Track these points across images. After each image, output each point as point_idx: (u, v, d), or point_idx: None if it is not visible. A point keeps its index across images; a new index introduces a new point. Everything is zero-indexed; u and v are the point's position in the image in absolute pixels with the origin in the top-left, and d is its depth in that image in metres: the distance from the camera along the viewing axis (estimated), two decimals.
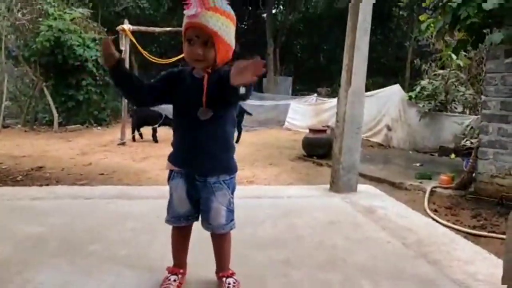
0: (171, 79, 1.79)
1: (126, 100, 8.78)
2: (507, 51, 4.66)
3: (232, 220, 1.86)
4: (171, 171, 1.85)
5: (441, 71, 9.42)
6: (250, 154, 7.82)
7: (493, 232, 3.72)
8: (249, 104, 11.15)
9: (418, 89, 9.44)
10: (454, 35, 5.62)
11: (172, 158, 1.85)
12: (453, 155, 7.59)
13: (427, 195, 4.86)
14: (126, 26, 8.70)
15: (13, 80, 12.27)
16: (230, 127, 1.81)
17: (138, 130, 9.40)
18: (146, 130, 9.38)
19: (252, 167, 6.63)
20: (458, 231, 3.53)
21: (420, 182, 5.47)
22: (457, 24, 4.86)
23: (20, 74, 12.42)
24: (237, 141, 8.54)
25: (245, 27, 22.70)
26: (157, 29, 10.92)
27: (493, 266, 2.28)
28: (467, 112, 9.16)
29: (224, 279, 1.89)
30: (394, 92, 9.86)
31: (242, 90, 1.50)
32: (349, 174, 3.94)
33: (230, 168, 1.83)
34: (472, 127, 7.68)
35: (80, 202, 3.35)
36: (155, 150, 7.94)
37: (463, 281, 2.12)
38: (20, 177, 5.43)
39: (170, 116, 1.87)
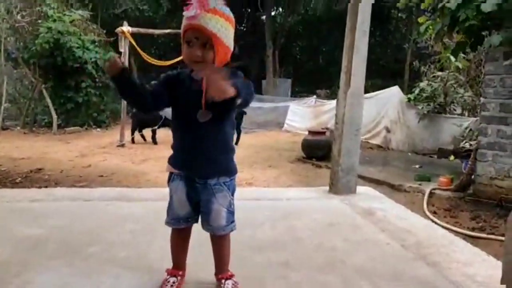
0: (170, 82, 1.78)
1: (125, 102, 8.78)
2: (506, 53, 4.67)
3: (233, 221, 1.86)
4: (171, 173, 1.85)
5: (440, 73, 9.44)
6: (249, 156, 7.82)
7: (492, 234, 3.73)
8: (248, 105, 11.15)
9: (417, 91, 9.46)
10: (453, 37, 5.63)
11: (172, 161, 1.85)
12: (452, 157, 7.59)
13: (426, 197, 4.87)
14: (126, 28, 8.71)
15: (12, 82, 12.29)
16: (229, 129, 1.81)
17: (140, 132, 9.40)
18: (146, 132, 9.38)
19: (251, 169, 6.64)
20: (457, 233, 3.54)
21: (419, 184, 5.48)
22: (456, 26, 4.87)
23: (20, 76, 12.44)
24: (236, 143, 8.54)
25: (244, 29, 22.72)
26: (156, 31, 10.93)
27: (492, 268, 2.29)
28: (466, 114, 9.18)
29: (223, 281, 1.89)
30: (393, 94, 9.87)
31: (238, 101, 1.52)
32: (348, 176, 3.94)
33: (230, 170, 1.83)
34: (471, 129, 7.70)
35: (79, 204, 3.34)
36: (154, 152, 7.94)
37: (462, 283, 2.12)
38: (19, 179, 5.43)
39: (170, 117, 1.86)
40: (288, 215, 3.17)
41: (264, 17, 21.15)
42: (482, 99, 5.09)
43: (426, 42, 10.59)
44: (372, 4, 3.81)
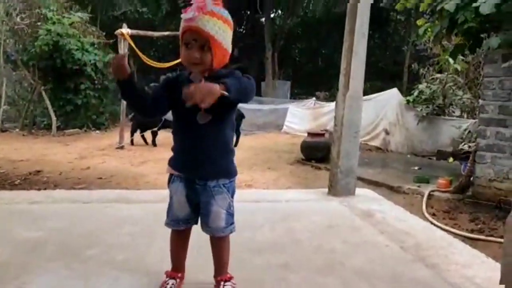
0: (170, 84, 1.79)
1: (124, 104, 8.78)
2: (505, 55, 4.68)
3: (232, 223, 1.86)
4: (171, 174, 1.86)
5: (438, 75, 9.47)
6: (249, 158, 7.82)
7: (491, 235, 3.73)
8: (248, 108, 11.18)
9: (416, 93, 9.48)
10: (452, 39, 5.65)
11: (172, 162, 1.85)
12: (451, 159, 7.61)
13: (425, 198, 4.87)
14: (125, 30, 8.71)
15: (12, 84, 12.29)
16: (229, 131, 1.82)
17: (141, 133, 9.40)
18: (147, 134, 9.38)
19: (250, 171, 6.63)
20: (456, 234, 3.54)
21: (418, 186, 5.48)
22: (455, 29, 4.89)
23: (19, 78, 12.44)
24: (235, 145, 8.54)
25: (244, 31, 22.76)
26: (156, 33, 10.95)
27: (491, 269, 2.29)
28: (465, 116, 9.20)
29: (222, 283, 1.89)
30: (392, 96, 9.89)
31: (230, 96, 1.51)
32: (347, 178, 3.94)
33: (229, 172, 1.83)
34: (470, 131, 7.71)
35: (78, 206, 3.34)
36: (153, 154, 7.94)
37: (460, 284, 2.12)
38: (18, 181, 5.42)
39: (169, 119, 1.87)
40: (287, 217, 3.17)
41: (263, 19, 21.17)
42: (480, 101, 5.10)
43: (425, 44, 10.62)
44: (371, 7, 3.82)
